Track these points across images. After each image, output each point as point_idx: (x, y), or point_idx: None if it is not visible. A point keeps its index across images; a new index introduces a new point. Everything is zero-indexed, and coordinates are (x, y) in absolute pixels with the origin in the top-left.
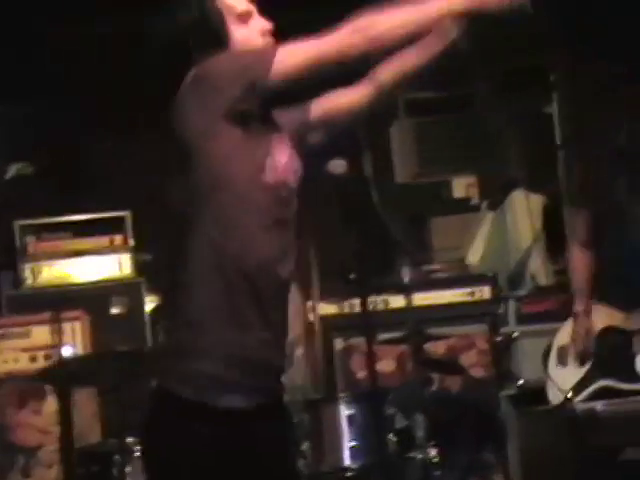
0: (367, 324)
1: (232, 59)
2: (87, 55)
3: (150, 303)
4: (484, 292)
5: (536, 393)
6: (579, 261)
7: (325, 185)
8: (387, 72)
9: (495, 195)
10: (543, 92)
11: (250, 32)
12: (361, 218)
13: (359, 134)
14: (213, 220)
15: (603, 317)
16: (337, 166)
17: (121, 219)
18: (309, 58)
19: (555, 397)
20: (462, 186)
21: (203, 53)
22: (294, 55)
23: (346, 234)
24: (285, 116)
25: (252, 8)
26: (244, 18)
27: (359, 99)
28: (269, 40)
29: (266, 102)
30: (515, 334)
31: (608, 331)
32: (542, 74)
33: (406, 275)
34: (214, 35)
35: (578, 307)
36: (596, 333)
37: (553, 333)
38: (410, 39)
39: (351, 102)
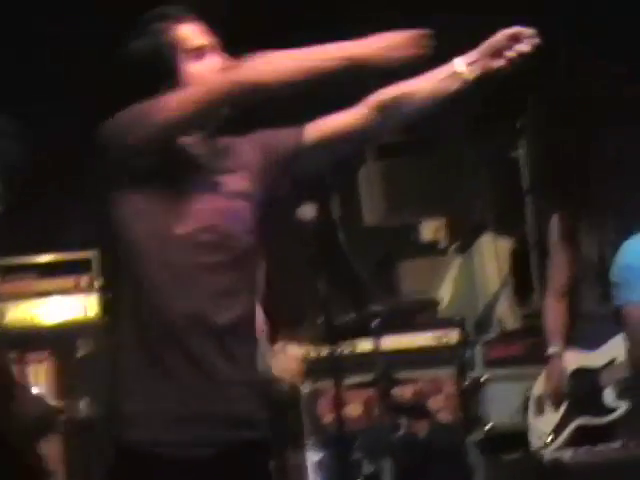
0: (334, 368)
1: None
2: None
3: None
4: (452, 336)
5: (504, 438)
6: (554, 309)
7: (293, 229)
8: (391, 98)
9: (463, 238)
10: (511, 137)
11: (205, 68)
12: (329, 261)
13: (326, 177)
14: (130, 276)
15: (572, 359)
16: (306, 212)
17: (87, 260)
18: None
19: (537, 442)
20: (430, 229)
21: (153, 86)
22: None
23: (314, 277)
24: (273, 137)
25: (209, 43)
26: (199, 53)
27: (359, 123)
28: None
29: (169, 155)
30: (483, 378)
31: (578, 372)
32: (510, 119)
33: (373, 318)
34: (164, 68)
35: (551, 350)
36: (567, 375)
37: (521, 377)
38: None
39: (351, 125)
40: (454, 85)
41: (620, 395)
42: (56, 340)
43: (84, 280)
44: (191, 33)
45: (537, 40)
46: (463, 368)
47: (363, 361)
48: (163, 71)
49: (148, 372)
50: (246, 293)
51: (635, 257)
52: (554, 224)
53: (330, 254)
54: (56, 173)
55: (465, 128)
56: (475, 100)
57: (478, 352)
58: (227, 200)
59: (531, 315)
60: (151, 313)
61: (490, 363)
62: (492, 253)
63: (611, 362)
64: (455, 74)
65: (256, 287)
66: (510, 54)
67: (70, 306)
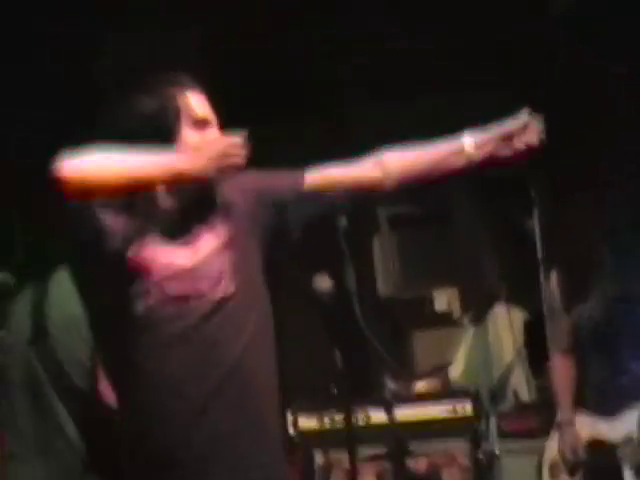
0: (348, 439)
1: None
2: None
3: None
4: (466, 408)
5: None
6: (561, 369)
7: (308, 298)
8: (398, 163)
9: (477, 309)
10: (524, 206)
11: (202, 140)
12: (344, 331)
13: (342, 247)
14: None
15: (586, 426)
16: (322, 281)
17: None
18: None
19: None
20: (444, 300)
21: (149, 144)
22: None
23: (329, 347)
24: (270, 180)
25: (212, 118)
26: (201, 125)
27: (363, 178)
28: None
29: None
30: (497, 451)
31: (595, 443)
32: (523, 188)
33: (387, 390)
34: (165, 131)
35: (562, 417)
36: (583, 443)
37: (536, 451)
38: None
39: (354, 178)
40: (460, 161)
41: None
42: None
43: None
44: (197, 103)
45: (542, 134)
46: (477, 440)
47: (377, 433)
48: (163, 133)
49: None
50: (222, 365)
51: None
52: (554, 284)
53: (345, 324)
54: None
55: (478, 199)
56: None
57: (492, 424)
58: (198, 258)
59: (546, 387)
60: (130, 380)
61: (505, 435)
62: (506, 324)
63: (629, 438)
64: (463, 152)
65: (255, 340)
66: (518, 145)
67: None
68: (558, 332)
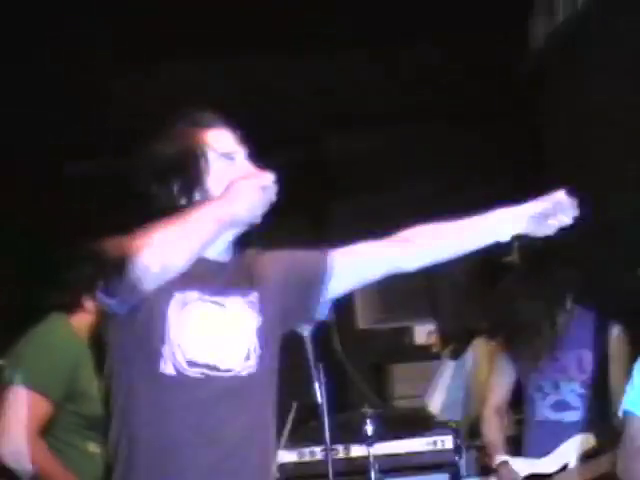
0: (328, 472)
1: None
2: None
3: None
4: (446, 442)
5: None
6: (493, 423)
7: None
8: (429, 242)
9: (456, 343)
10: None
11: (234, 172)
12: (323, 364)
13: None
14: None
15: (522, 467)
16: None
17: None
18: None
19: None
20: (423, 333)
21: (178, 187)
22: None
23: (308, 380)
24: (301, 258)
25: (239, 150)
26: (228, 159)
27: (396, 257)
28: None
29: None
30: None
31: (531, 478)
32: None
33: (367, 423)
34: (190, 170)
35: (497, 460)
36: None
37: None
38: None
39: (385, 256)
40: (490, 240)
41: None
42: None
43: None
44: (221, 139)
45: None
46: (457, 474)
47: (356, 466)
48: (189, 172)
49: None
50: (247, 423)
51: None
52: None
53: (325, 357)
54: None
55: None
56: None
57: (472, 458)
58: (227, 327)
59: (510, 424)
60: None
61: (484, 470)
62: (485, 358)
63: (564, 468)
64: (493, 231)
65: (262, 416)
66: (553, 224)
67: None
68: (493, 387)
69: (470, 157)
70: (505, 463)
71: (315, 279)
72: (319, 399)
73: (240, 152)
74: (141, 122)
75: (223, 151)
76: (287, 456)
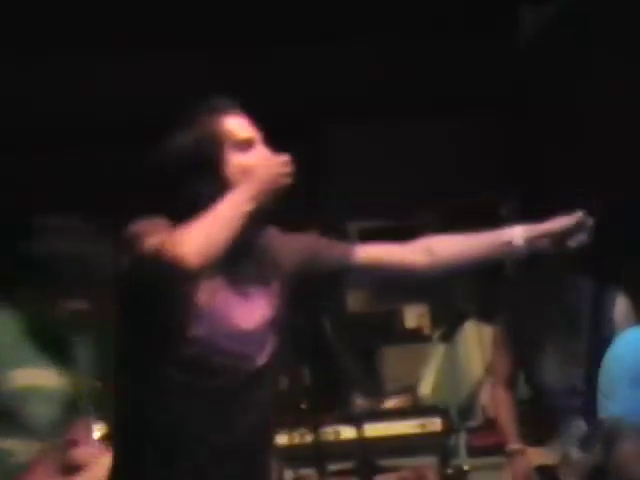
0: (317, 455)
1: None
2: None
3: (97, 430)
4: (435, 424)
5: None
6: (503, 401)
7: None
8: (447, 251)
9: (446, 326)
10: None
11: (251, 160)
12: (313, 348)
13: None
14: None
15: (534, 456)
16: None
17: None
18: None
19: None
20: (414, 316)
21: (194, 177)
22: None
23: (297, 364)
24: (323, 246)
25: (255, 136)
26: (245, 146)
27: (411, 261)
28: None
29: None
30: (466, 467)
31: (539, 469)
32: (493, 209)
33: (357, 406)
34: (208, 160)
35: (512, 448)
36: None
37: (504, 467)
38: None
39: (401, 261)
40: (506, 252)
41: None
42: None
43: None
44: (238, 126)
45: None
46: (446, 456)
47: (346, 449)
48: (206, 162)
49: None
50: (256, 413)
51: (618, 366)
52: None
53: (315, 340)
54: None
55: (448, 217)
56: (457, 189)
57: (461, 440)
58: (249, 317)
59: (515, 403)
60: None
61: (473, 451)
62: (476, 341)
63: (565, 457)
64: (511, 245)
65: (269, 406)
66: (569, 244)
67: None
68: (497, 362)
69: (460, 147)
70: (519, 452)
71: (334, 273)
72: (308, 381)
73: (256, 137)
74: None
75: (241, 138)
76: (277, 439)
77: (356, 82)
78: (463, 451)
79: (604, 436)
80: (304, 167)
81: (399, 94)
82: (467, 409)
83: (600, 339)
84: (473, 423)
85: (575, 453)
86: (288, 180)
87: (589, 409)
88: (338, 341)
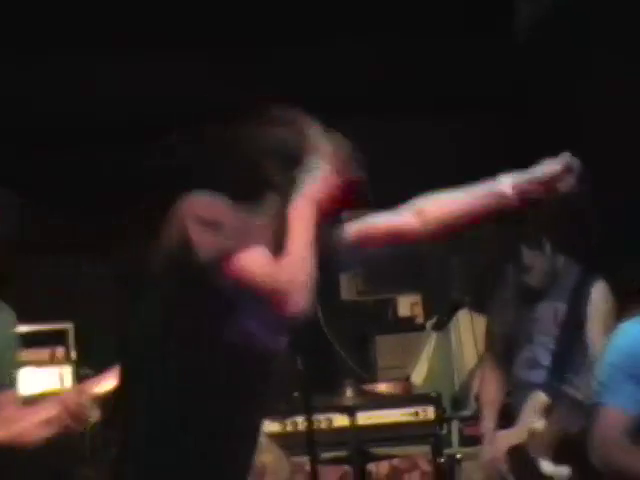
0: (310, 443)
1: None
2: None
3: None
4: (428, 412)
5: None
6: (493, 381)
7: None
8: (436, 212)
9: (439, 315)
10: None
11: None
12: (306, 335)
13: None
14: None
15: (507, 438)
16: None
17: (63, 331)
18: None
19: None
20: (407, 305)
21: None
22: None
23: (290, 351)
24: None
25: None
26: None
27: (403, 228)
28: None
29: None
30: (459, 455)
31: (510, 451)
32: None
33: (350, 394)
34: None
35: (488, 425)
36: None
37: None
38: None
39: (394, 227)
40: (497, 205)
41: (556, 460)
42: None
43: (59, 352)
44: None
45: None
46: (439, 445)
47: (339, 437)
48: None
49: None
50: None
51: (619, 356)
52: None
53: (307, 329)
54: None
55: None
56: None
57: (454, 429)
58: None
59: (508, 392)
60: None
61: (466, 440)
62: (469, 330)
63: (531, 432)
64: (500, 195)
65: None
66: (560, 186)
67: (45, 378)
68: (494, 342)
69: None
70: (489, 434)
71: (329, 259)
72: (302, 369)
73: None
74: None
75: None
76: (270, 426)
77: (356, 82)
78: (456, 440)
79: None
80: None
81: (399, 94)
82: (460, 398)
83: (573, 319)
84: (466, 412)
85: (539, 425)
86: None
87: (551, 381)
88: (331, 329)
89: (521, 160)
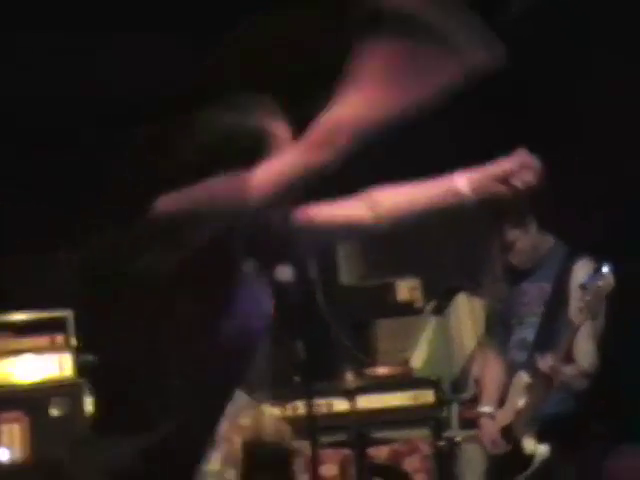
0: (310, 427)
1: None
2: None
3: (91, 405)
4: (427, 396)
5: None
6: (495, 367)
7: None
8: (389, 204)
9: (438, 299)
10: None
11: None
12: (306, 320)
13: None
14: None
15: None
16: (284, 273)
17: (63, 319)
18: None
19: None
20: (406, 289)
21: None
22: None
23: (290, 336)
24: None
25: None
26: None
27: (353, 219)
28: None
29: None
30: (458, 439)
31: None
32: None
33: (350, 378)
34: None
35: (486, 409)
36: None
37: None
38: None
39: (344, 219)
40: (452, 202)
41: (539, 439)
42: (30, 400)
43: (59, 339)
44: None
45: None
46: (438, 428)
47: (339, 421)
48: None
49: None
50: None
51: None
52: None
53: (307, 314)
54: (34, 230)
55: None
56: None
57: (454, 412)
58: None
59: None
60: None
61: (466, 423)
62: (468, 313)
63: (517, 413)
64: (456, 192)
65: None
66: (516, 183)
67: (44, 365)
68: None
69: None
70: (485, 415)
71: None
72: (301, 354)
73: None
74: None
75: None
76: (270, 411)
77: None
78: (455, 423)
79: None
80: None
81: None
82: (459, 381)
83: (557, 298)
84: (465, 395)
85: (521, 404)
86: None
87: (532, 360)
88: (331, 314)
89: None
